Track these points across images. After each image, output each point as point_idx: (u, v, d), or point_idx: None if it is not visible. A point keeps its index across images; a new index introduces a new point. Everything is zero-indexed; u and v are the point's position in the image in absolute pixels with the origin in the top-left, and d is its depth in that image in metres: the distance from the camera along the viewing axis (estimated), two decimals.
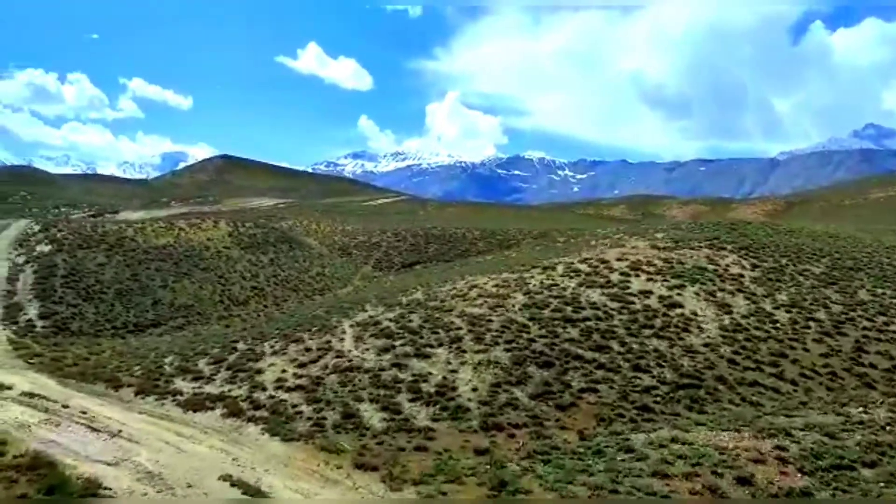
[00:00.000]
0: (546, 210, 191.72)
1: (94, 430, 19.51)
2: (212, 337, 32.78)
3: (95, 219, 57.24)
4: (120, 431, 19.26)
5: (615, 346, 25.15)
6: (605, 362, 23.77)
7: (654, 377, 23.01)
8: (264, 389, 22.62)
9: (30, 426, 19.58)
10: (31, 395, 22.89)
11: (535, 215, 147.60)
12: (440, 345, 24.97)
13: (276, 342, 27.54)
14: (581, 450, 17.42)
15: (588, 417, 20.26)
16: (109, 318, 37.89)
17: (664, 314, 28.27)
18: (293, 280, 57.27)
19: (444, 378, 22.38)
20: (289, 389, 22.41)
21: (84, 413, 21.05)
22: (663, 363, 24.04)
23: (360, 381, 22.51)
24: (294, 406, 21.15)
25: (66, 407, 21.67)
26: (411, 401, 21.05)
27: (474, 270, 39.82)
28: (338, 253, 74.22)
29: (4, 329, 33.34)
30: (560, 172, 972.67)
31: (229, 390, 22.97)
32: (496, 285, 32.45)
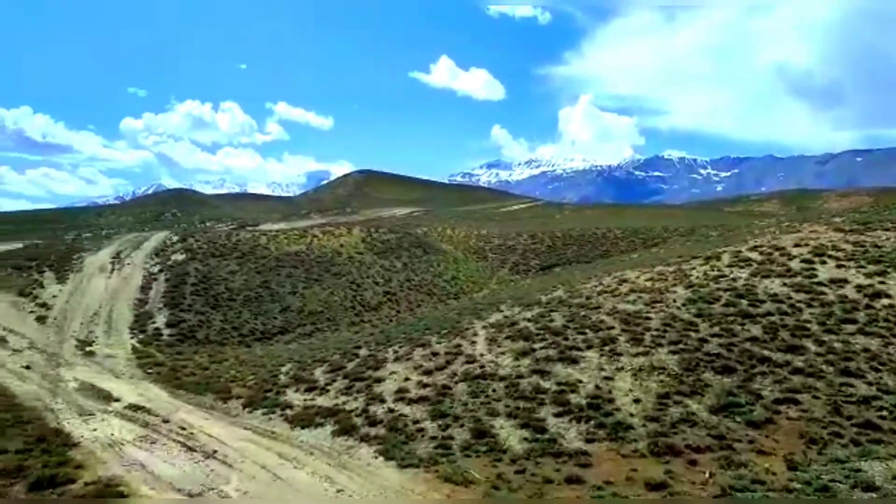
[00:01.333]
0: (690, 208, 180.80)
1: (188, 449, 16.62)
2: (335, 343, 29.86)
3: (233, 229, 56.40)
4: (215, 452, 16.24)
5: (811, 345, 19.76)
6: (802, 366, 18.50)
7: (871, 384, 17.55)
8: (382, 401, 19.07)
9: (122, 444, 16.97)
10: (137, 408, 20.52)
11: (678, 214, 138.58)
12: (589, 347, 20.52)
13: (401, 347, 24.06)
14: (796, 485, 12.57)
15: (792, 438, 15.23)
16: (236, 326, 36.00)
17: (867, 306, 22.43)
18: (427, 284, 54.23)
19: (598, 387, 17.94)
20: (410, 401, 18.73)
21: (183, 429, 18.29)
22: (880, 366, 18.47)
23: (494, 390, 18.50)
24: (415, 422, 17.43)
25: (166, 422, 19.05)
26: (558, 415, 16.79)
27: (622, 266, 34.96)
28: (473, 257, 70.81)
29: (132, 337, 31.94)
30: (702, 171, 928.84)
31: (343, 403, 19.59)
32: (650, 279, 27.59)
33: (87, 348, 29.39)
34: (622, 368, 18.82)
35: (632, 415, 16.43)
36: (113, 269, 41.21)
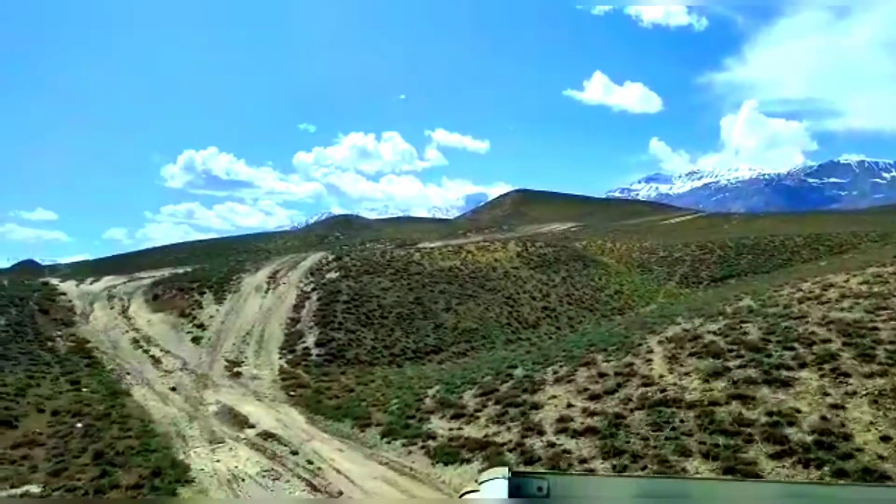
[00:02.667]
0: (877, 213, 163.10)
1: (312, 488, 13.89)
2: (488, 362, 26.64)
3: (388, 248, 54.85)
4: (341, 494, 13.37)
5: None
6: None
7: None
8: (541, 433, 15.53)
9: (242, 480, 14.54)
10: (269, 436, 18.24)
11: (865, 219, 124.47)
12: (802, 365, 15.90)
13: (561, 366, 20.40)
14: None
15: None
16: (387, 345, 33.72)
17: None
18: (588, 299, 49.95)
19: (824, 418, 13.43)
20: (575, 434, 15.06)
21: (311, 463, 15.66)
22: None
23: (682, 421, 14.46)
24: (582, 461, 13.77)
25: (295, 453, 16.53)
26: (775, 457, 12.51)
27: (820, 272, 29.39)
28: (636, 270, 65.59)
29: (281, 358, 30.38)
30: (886, 175, 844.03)
31: (494, 433, 16.24)
32: (864, 282, 22.27)
33: (236, 369, 28.00)
34: (854, 393, 14.14)
35: (882, 458, 11.88)
36: (268, 289, 40.47)
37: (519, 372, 21.35)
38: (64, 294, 39.99)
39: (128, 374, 26.56)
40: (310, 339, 32.61)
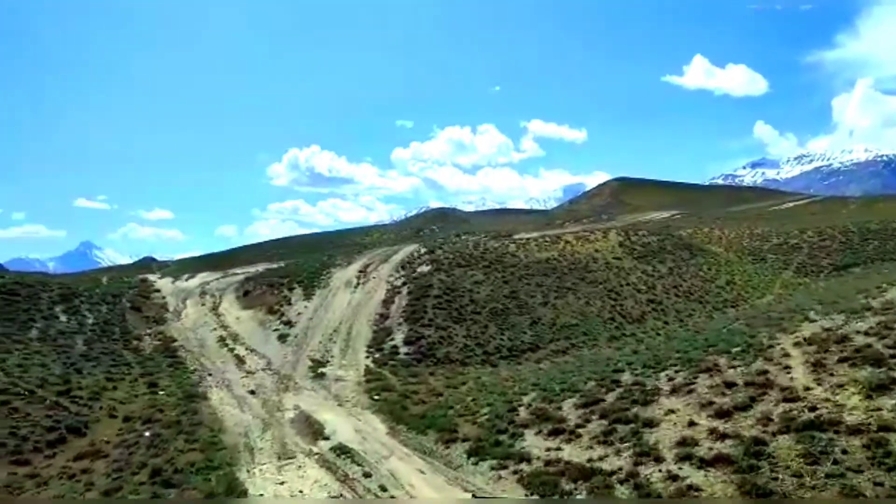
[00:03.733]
0: None
1: None
2: (590, 363, 23.72)
3: (482, 239, 52.31)
4: None
5: None
6: None
7: None
8: (658, 460, 12.61)
9: None
10: (344, 451, 16.08)
11: None
12: None
13: (677, 371, 17.34)
14: None
15: None
16: (481, 342, 31.21)
17: None
18: (697, 291, 45.83)
19: None
20: (702, 463, 12.06)
21: (385, 490, 13.32)
22: None
23: (846, 451, 11.23)
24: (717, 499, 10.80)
25: (368, 476, 14.26)
26: None
27: None
28: (748, 259, 60.42)
29: (367, 357, 28.40)
30: None
31: (600, 457, 13.43)
32: None
33: (320, 369, 26.18)
34: None
35: None
36: (358, 284, 38.75)
37: (627, 377, 18.40)
38: (158, 291, 39.55)
39: (209, 374, 25.18)
40: (398, 337, 30.53)
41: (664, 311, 40.83)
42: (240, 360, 27.38)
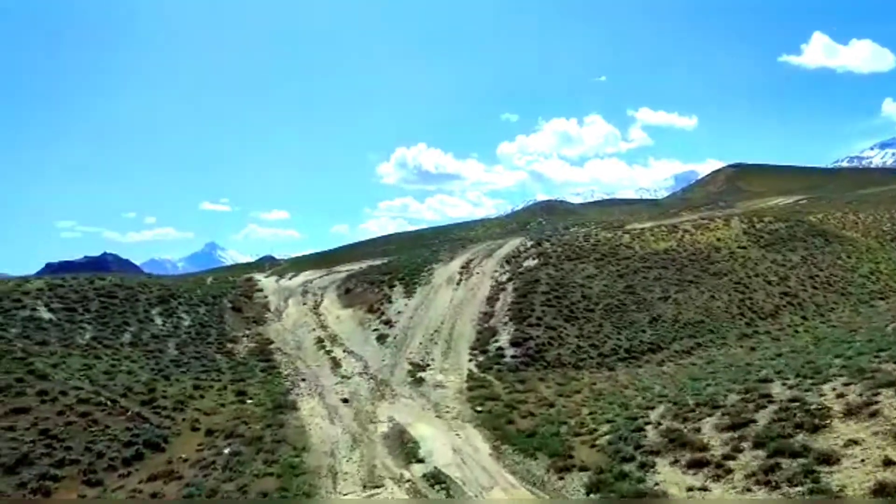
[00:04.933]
0: None
1: None
2: (725, 368, 20.21)
3: (593, 230, 48.80)
4: None
5: None
6: None
7: None
8: None
9: None
10: (439, 479, 13.55)
11: None
12: None
13: (846, 384, 13.79)
14: None
15: None
16: (595, 343, 28.03)
17: None
18: (837, 282, 40.59)
19: None
20: None
21: None
22: None
23: None
24: None
25: None
26: None
27: None
28: (891, 245, 53.87)
29: (471, 360, 25.85)
30: None
31: None
32: None
33: (419, 374, 23.87)
34: None
35: None
36: (460, 280, 36.28)
37: (779, 390, 14.95)
38: (261, 290, 38.54)
39: (302, 380, 23.35)
40: (504, 338, 27.82)
41: (801, 305, 36.19)
42: (336, 364, 25.47)
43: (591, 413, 18.10)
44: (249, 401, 20.49)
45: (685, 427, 14.15)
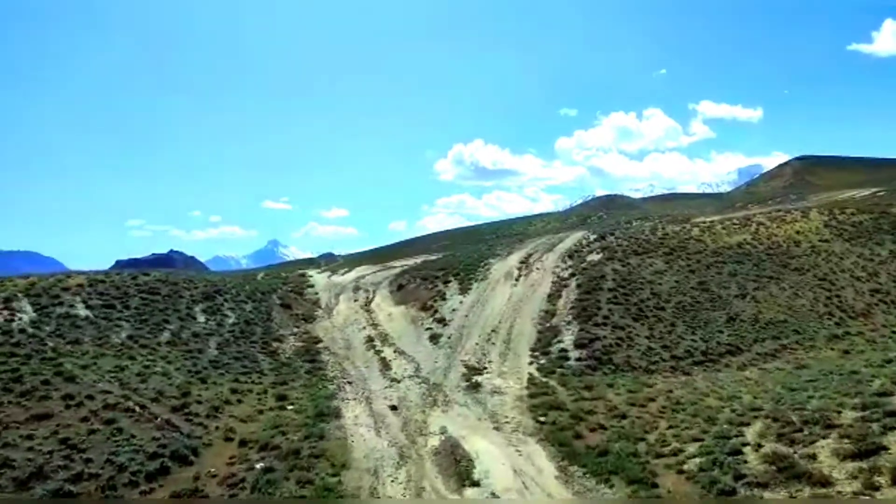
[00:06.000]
0: None
1: None
2: (826, 378, 17.42)
3: (659, 223, 45.92)
4: None
5: None
6: None
7: None
8: None
9: None
10: None
11: None
12: None
13: None
14: None
15: None
16: (667, 345, 25.40)
17: None
18: None
19: None
20: None
21: None
22: None
23: None
24: None
25: None
26: None
27: None
28: None
29: (531, 362, 23.57)
30: None
31: None
32: None
33: (475, 378, 21.70)
34: None
35: None
36: (519, 276, 33.96)
37: None
38: (312, 286, 36.95)
39: (348, 383, 21.46)
40: (567, 338, 25.42)
41: (895, 303, 32.70)
42: (385, 365, 23.52)
43: (671, 427, 15.65)
44: (290, 407, 18.66)
45: (795, 452, 11.64)
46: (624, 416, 17.30)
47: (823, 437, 11.92)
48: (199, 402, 18.00)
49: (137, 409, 16.89)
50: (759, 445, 12.44)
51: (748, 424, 14.07)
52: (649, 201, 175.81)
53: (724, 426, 14.44)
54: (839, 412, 13.15)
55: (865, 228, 44.76)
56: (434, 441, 15.94)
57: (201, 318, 26.17)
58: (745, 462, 11.92)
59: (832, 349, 26.41)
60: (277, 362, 23.34)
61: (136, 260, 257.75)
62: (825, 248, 39.74)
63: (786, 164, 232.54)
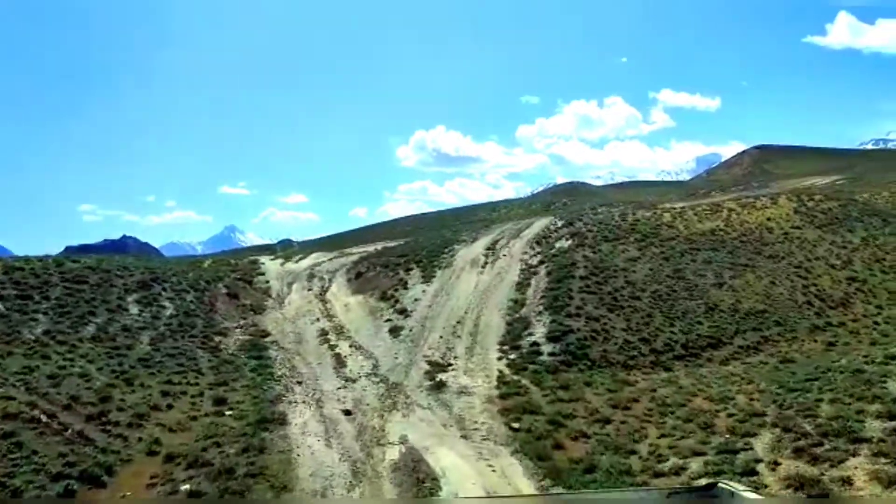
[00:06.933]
0: None
1: None
2: (827, 377, 15.68)
3: (628, 208, 44.28)
4: None
5: None
6: None
7: None
8: None
9: None
10: None
11: None
12: None
13: None
14: None
15: None
16: (645, 337, 23.60)
17: None
18: None
19: None
20: None
21: None
22: None
23: None
24: None
25: None
26: None
27: None
28: None
29: (500, 357, 21.55)
30: None
31: None
32: None
33: (440, 375, 19.59)
34: None
35: None
36: (486, 263, 31.89)
37: None
38: (263, 274, 34.33)
39: (298, 383, 19.14)
40: (538, 331, 23.45)
41: (872, 293, 31.49)
42: (340, 362, 21.24)
43: (663, 436, 13.76)
44: (229, 412, 16.29)
45: (824, 474, 9.75)
46: (608, 421, 15.39)
47: (853, 455, 10.08)
48: (122, 409, 15.51)
49: (44, 418, 14.36)
50: (776, 463, 10.56)
51: (755, 435, 12.20)
52: (611, 189, 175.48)
53: (727, 436, 12.55)
54: (861, 421, 11.34)
55: (835, 216, 43.74)
56: (393, 453, 13.79)
57: (134, 310, 23.44)
58: (765, 486, 10.00)
59: (815, 341, 24.98)
60: (218, 359, 20.81)
61: (87, 246, 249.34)
62: (798, 236, 38.48)
63: (744, 152, 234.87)
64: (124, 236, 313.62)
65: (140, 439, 14.31)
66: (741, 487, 2.82)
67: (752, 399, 15.50)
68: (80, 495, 12.12)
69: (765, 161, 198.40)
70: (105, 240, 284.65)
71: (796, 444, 11.05)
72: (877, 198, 63.47)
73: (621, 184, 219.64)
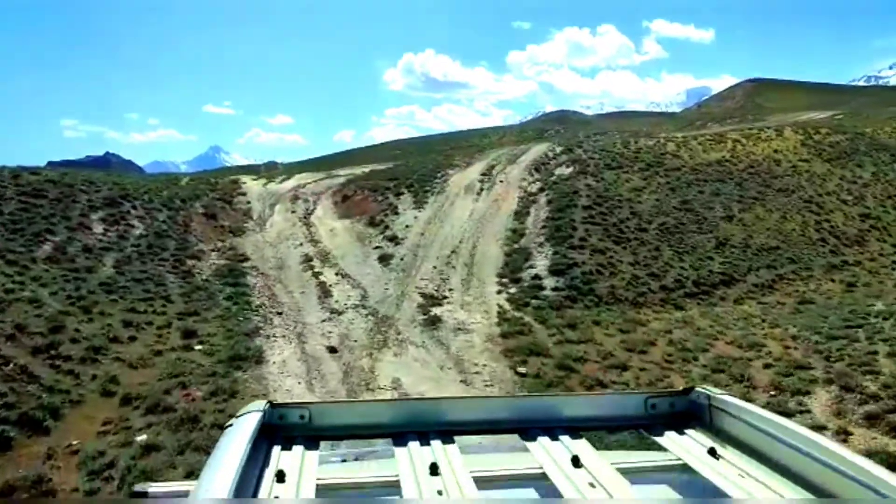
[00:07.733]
0: None
1: None
2: (873, 322, 13.95)
3: (628, 135, 41.98)
4: None
5: None
6: None
7: None
8: None
9: None
10: None
11: None
12: None
13: None
14: None
15: None
16: (654, 272, 21.83)
17: None
18: None
19: None
20: None
21: None
22: None
23: None
24: None
25: None
26: None
27: None
28: None
29: (500, 291, 19.71)
30: None
31: None
32: None
33: (434, 310, 17.74)
34: None
35: None
36: (481, 189, 29.75)
37: None
38: (244, 195, 31.99)
39: (278, 314, 17.23)
40: (540, 263, 21.57)
41: (887, 230, 29.84)
42: (325, 291, 19.29)
43: (684, 376, 12.01)
44: (198, 346, 14.37)
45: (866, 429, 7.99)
46: (625, 368, 13.66)
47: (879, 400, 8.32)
48: (75, 341, 13.49)
49: None
50: (847, 433, 8.80)
51: (807, 393, 10.44)
52: (602, 119, 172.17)
53: (772, 393, 10.80)
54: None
55: (843, 149, 41.67)
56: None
57: (98, 229, 21.13)
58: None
59: (832, 280, 23.35)
60: (191, 285, 18.75)
61: (69, 162, 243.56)
62: (806, 169, 36.48)
63: (737, 85, 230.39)
64: (107, 153, 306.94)
65: (94, 377, 12.37)
66: (718, 391, 2.57)
67: (787, 347, 13.77)
68: (18, 443, 10.22)
69: (757, 95, 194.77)
70: (87, 156, 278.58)
71: (867, 409, 9.32)
72: (880, 133, 61.29)
73: (611, 114, 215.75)
